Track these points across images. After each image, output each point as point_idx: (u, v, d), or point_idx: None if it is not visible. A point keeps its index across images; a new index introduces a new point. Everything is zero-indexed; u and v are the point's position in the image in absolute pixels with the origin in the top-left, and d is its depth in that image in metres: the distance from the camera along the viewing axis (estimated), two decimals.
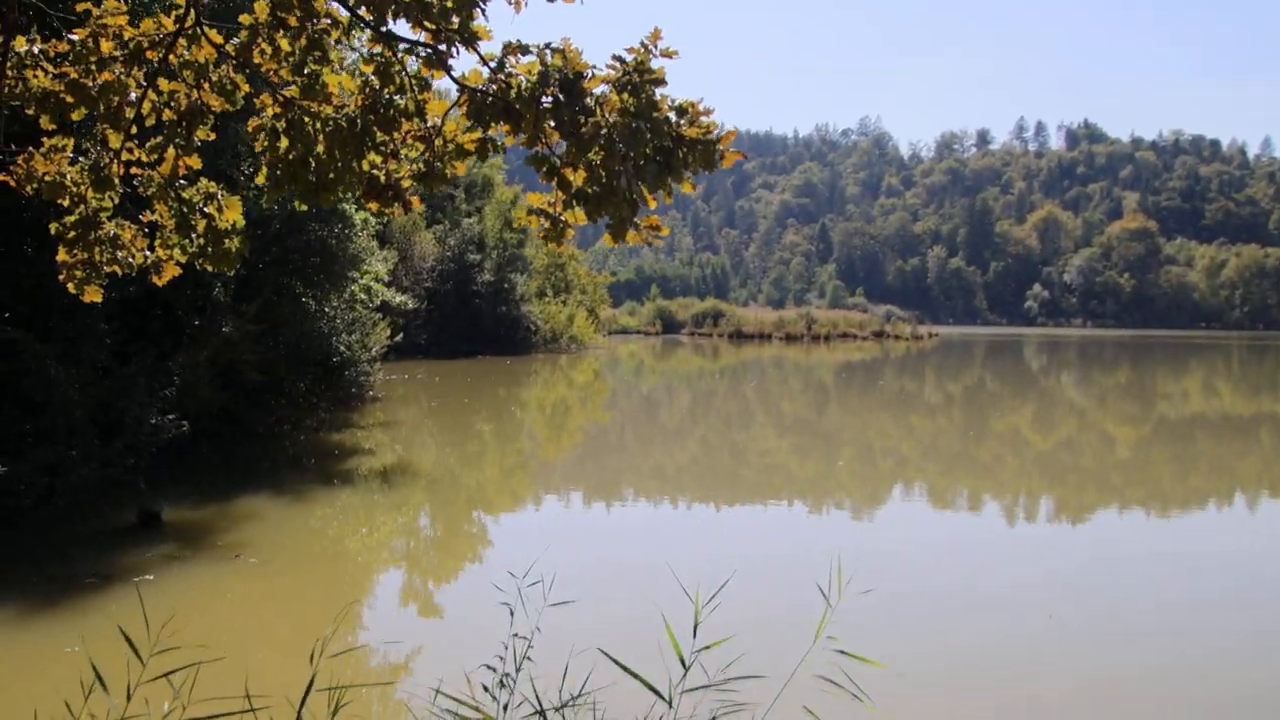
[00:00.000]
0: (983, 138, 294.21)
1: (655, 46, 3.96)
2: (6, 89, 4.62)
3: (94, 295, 5.01)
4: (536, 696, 3.33)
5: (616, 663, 3.34)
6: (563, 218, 4.40)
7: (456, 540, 15.69)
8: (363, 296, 28.41)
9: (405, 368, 43.44)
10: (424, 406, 32.02)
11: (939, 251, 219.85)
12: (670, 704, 3.12)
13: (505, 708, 3.32)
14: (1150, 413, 36.43)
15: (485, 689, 3.38)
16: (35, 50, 4.63)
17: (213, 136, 4.84)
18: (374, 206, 4.61)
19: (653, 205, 4.19)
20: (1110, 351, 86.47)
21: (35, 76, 4.63)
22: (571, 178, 4.17)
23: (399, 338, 36.02)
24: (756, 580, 11.82)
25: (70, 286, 4.98)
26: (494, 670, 3.42)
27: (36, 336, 15.53)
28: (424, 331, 51.50)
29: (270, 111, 4.54)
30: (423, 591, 12.80)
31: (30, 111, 4.67)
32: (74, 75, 4.58)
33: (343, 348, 27.33)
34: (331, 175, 4.41)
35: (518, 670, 3.42)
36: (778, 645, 3.67)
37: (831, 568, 3.33)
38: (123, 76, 4.56)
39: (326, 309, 26.24)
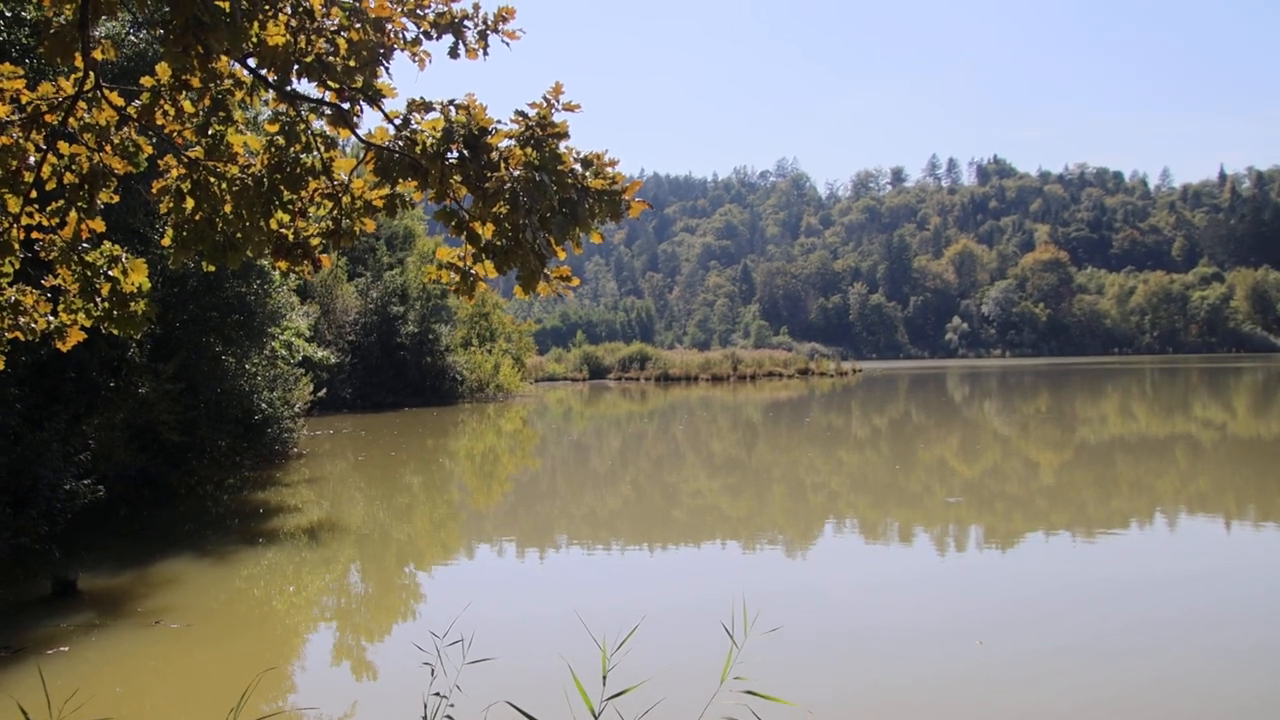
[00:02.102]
0: (897, 175, 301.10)
1: (558, 101, 4.02)
2: None
3: None
4: None
5: (526, 715, 3.33)
6: (473, 271, 4.42)
7: (388, 595, 15.44)
8: (284, 353, 28.04)
9: (330, 422, 42.81)
10: (350, 461, 31.56)
11: (860, 288, 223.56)
12: None
13: None
14: (1071, 437, 37.24)
15: None
16: None
17: (116, 199, 4.78)
18: (283, 265, 4.58)
19: (562, 256, 4.23)
20: (1029, 380, 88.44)
21: None
22: (480, 231, 4.19)
23: (322, 392, 35.54)
24: (670, 625, 11.80)
25: None
26: None
27: None
28: (348, 385, 50.89)
29: (175, 173, 4.50)
30: (353, 650, 12.55)
31: None
32: None
33: (264, 405, 26.88)
34: (239, 235, 4.37)
35: None
36: (690, 690, 3.70)
37: (737, 609, 3.37)
38: (21, 140, 4.49)
39: (247, 366, 25.83)
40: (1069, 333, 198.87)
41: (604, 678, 3.17)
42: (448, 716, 3.39)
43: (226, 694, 10.04)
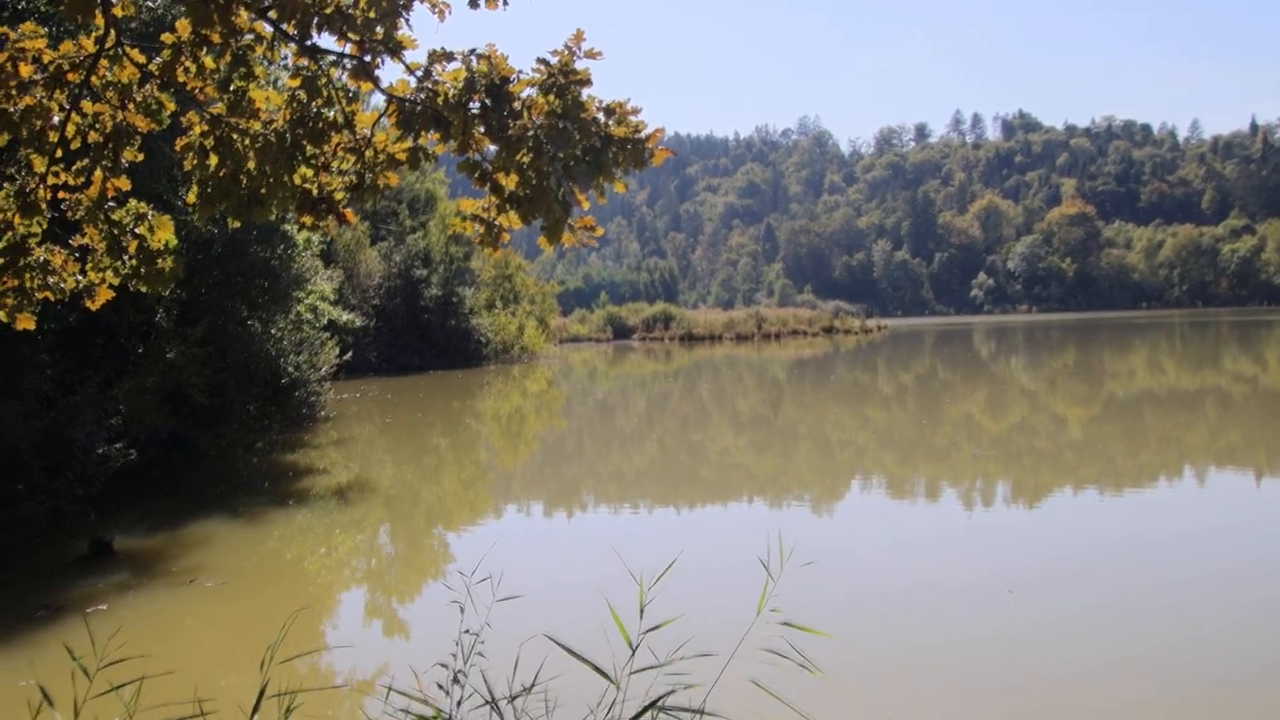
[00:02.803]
0: (921, 131, 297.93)
1: (579, 48, 3.99)
2: None
3: (26, 322, 4.94)
4: (488, 689, 3.34)
5: (562, 646, 3.36)
6: (497, 222, 4.41)
7: (417, 555, 15.60)
8: (309, 316, 28.18)
9: (357, 386, 43.08)
10: (378, 423, 31.77)
11: (884, 245, 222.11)
12: (618, 686, 3.14)
13: (459, 703, 3.33)
14: (1099, 392, 37.02)
15: (439, 686, 3.38)
16: None
17: (140, 157, 4.78)
18: (308, 220, 4.58)
19: (586, 206, 4.22)
20: (1057, 334, 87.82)
21: None
22: (503, 182, 4.18)
23: (348, 356, 35.73)
24: (700, 578, 11.86)
25: (1, 315, 4.90)
26: (446, 667, 3.43)
27: None
28: (374, 348, 51.10)
29: (198, 130, 4.50)
30: (384, 599, 12.72)
31: None
32: None
33: (291, 368, 27.06)
34: (263, 190, 4.38)
35: (467, 663, 3.43)
36: (725, 624, 3.71)
37: (772, 542, 3.37)
38: (45, 100, 4.50)
39: (273, 330, 25.98)
40: (1096, 287, 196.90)
41: (641, 610, 3.19)
42: (479, 653, 3.41)
43: (260, 644, 10.19)
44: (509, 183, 4.18)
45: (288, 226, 24.71)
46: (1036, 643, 9.88)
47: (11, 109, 4.53)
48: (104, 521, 15.59)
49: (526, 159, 4.01)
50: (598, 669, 3.18)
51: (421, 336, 56.88)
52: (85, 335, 19.68)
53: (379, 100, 4.30)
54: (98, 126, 4.58)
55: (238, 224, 4.66)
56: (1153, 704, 8.34)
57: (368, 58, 4.14)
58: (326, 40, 4.29)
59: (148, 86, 4.58)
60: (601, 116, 4.06)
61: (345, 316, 33.01)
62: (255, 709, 3.13)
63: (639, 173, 4.27)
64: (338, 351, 32.55)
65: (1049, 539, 14.63)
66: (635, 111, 4.11)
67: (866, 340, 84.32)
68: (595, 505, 18.75)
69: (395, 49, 4.11)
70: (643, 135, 4.04)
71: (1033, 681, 8.80)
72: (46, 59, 4.48)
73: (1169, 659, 9.47)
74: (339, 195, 4.53)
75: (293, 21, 4.08)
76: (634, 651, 3.18)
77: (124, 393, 19.08)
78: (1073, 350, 64.31)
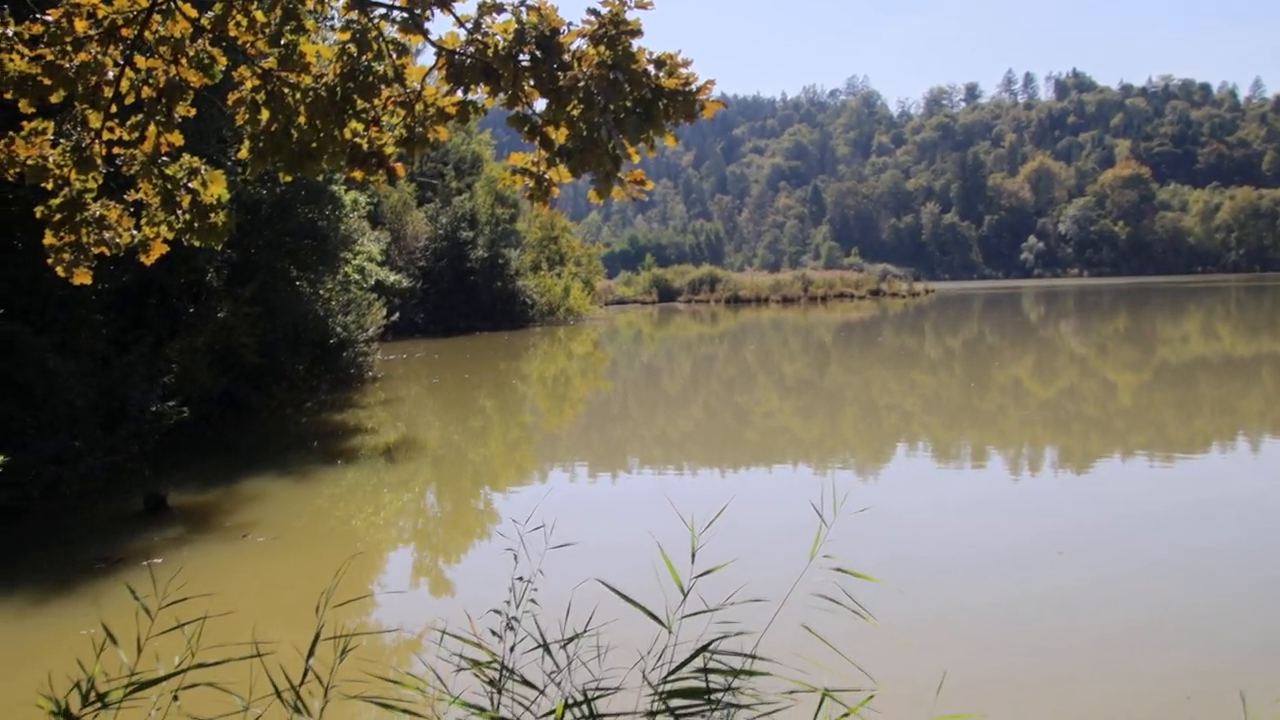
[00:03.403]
0: (971, 92, 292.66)
1: None
2: None
3: (83, 277, 5.00)
4: (540, 633, 3.37)
5: (614, 590, 3.37)
6: (547, 176, 4.39)
7: (464, 515, 15.76)
8: (356, 277, 28.41)
9: (404, 347, 43.43)
10: (425, 384, 32.04)
11: (932, 208, 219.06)
12: (670, 630, 3.15)
13: (512, 649, 3.36)
14: (1151, 358, 36.45)
15: (492, 633, 3.41)
16: (9, 33, 4.60)
17: (193, 112, 4.81)
18: (358, 175, 4.59)
19: (636, 159, 4.18)
20: (1108, 299, 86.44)
21: (11, 60, 4.60)
22: (553, 135, 4.16)
23: (395, 317, 36.00)
24: (752, 525, 11.91)
25: (59, 270, 4.97)
26: (499, 614, 3.47)
27: (34, 329, 15.54)
28: (420, 310, 51.42)
29: (249, 84, 4.52)
30: (433, 558, 12.89)
31: (9, 95, 4.64)
32: (50, 57, 4.55)
33: (339, 328, 27.33)
34: (314, 145, 4.39)
35: (519, 609, 3.46)
36: (775, 574, 3.72)
37: (826, 489, 3.36)
38: (99, 55, 4.53)
39: (321, 291, 26.23)
40: (1150, 251, 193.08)
41: (692, 556, 3.19)
42: (531, 600, 3.44)
43: (315, 595, 10.38)
44: (559, 136, 4.16)
45: (335, 188, 24.88)
46: (1086, 603, 9.84)
47: (67, 65, 4.57)
48: (158, 478, 15.89)
49: (577, 111, 3.99)
50: (649, 613, 3.19)
51: (468, 298, 57.14)
52: (138, 296, 19.99)
53: (429, 54, 4.29)
54: (151, 81, 4.61)
55: (289, 179, 4.68)
56: (1203, 663, 8.27)
57: (417, 10, 4.12)
58: None
59: (200, 41, 4.60)
60: (652, 68, 4.01)
61: (392, 277, 33.20)
62: (311, 651, 3.17)
63: (688, 126, 4.23)
64: (385, 312, 32.81)
65: (1098, 503, 14.49)
66: (686, 64, 4.06)
67: (914, 304, 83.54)
68: (640, 467, 18.80)
69: (444, 1, 4.09)
70: (693, 87, 4.00)
71: (1084, 640, 8.77)
72: (101, 14, 4.51)
73: (1219, 619, 9.38)
74: (389, 150, 4.54)
75: None
76: (685, 596, 3.18)
77: (176, 352, 19.37)
78: (1124, 315, 63.32)
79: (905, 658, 8.07)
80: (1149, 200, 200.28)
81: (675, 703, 3.09)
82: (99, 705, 2.90)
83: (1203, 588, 10.30)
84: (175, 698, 2.98)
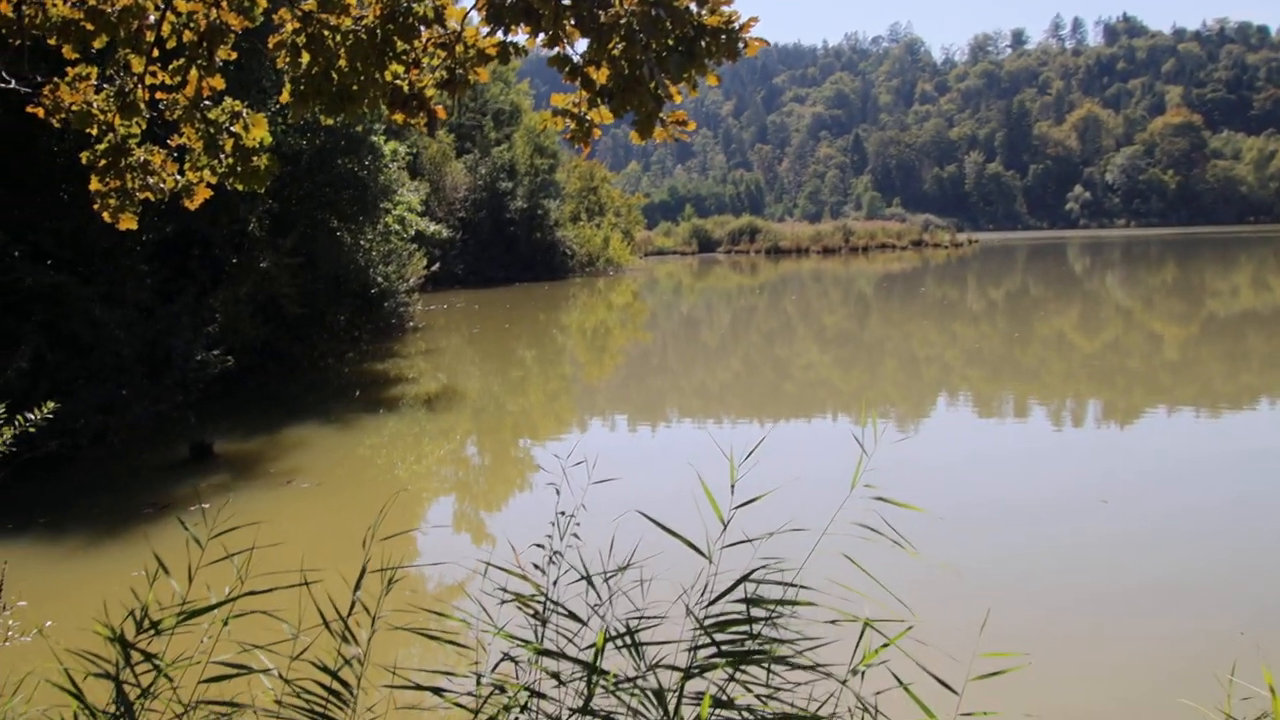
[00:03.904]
0: (1018, 38, 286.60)
1: None
2: (28, 19, 4.60)
3: (128, 222, 5.04)
4: (583, 566, 3.40)
5: (655, 522, 3.39)
6: (588, 117, 4.35)
7: (504, 465, 15.88)
8: (396, 227, 28.47)
9: (444, 297, 43.63)
10: (465, 334, 32.21)
11: (976, 157, 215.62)
12: (710, 560, 3.16)
13: (555, 582, 3.40)
14: (1199, 311, 35.86)
15: (535, 566, 3.45)
16: None
17: (234, 56, 4.81)
18: (399, 118, 4.58)
19: (678, 99, 4.13)
20: (1156, 250, 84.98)
21: (55, 5, 4.61)
22: (594, 75, 4.12)
23: (435, 267, 36.13)
24: (793, 461, 11.92)
25: (105, 215, 5.01)
26: (542, 547, 3.50)
27: (80, 280, 15.74)
28: (460, 261, 51.54)
29: (290, 27, 4.50)
30: (474, 504, 13.03)
31: (53, 41, 4.66)
32: (92, 2, 4.56)
33: (380, 279, 27.47)
34: (354, 87, 4.38)
35: (562, 540, 3.49)
36: (814, 509, 3.72)
37: (866, 438, 3.34)
38: (140, 0, 4.53)
39: (362, 241, 26.34)
40: (1200, 201, 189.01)
41: (732, 487, 3.19)
42: (574, 534, 3.46)
43: (359, 533, 10.55)
44: (600, 76, 4.11)
45: (375, 138, 24.89)
46: (1133, 548, 9.88)
47: (109, 10, 4.58)
48: (204, 426, 16.13)
49: (618, 49, 3.94)
50: (689, 543, 3.20)
51: (507, 249, 57.18)
52: (182, 246, 20.17)
53: None
54: (192, 25, 4.60)
55: (330, 121, 4.67)
56: (1252, 607, 8.23)
57: None
58: None
59: None
60: (694, 5, 3.95)
61: (432, 227, 33.24)
62: (358, 583, 3.22)
63: (728, 75, 4.18)
64: (425, 263, 32.93)
65: (1142, 455, 14.37)
66: (728, 1, 3.99)
67: (956, 255, 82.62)
68: (679, 419, 18.83)
69: None
70: (735, 25, 3.94)
71: (1131, 585, 8.81)
72: None
73: (1267, 566, 9.34)
74: (429, 92, 4.51)
75: None
76: (725, 527, 3.19)
77: (219, 302, 19.57)
78: (1172, 267, 62.27)
79: (946, 596, 8.09)
80: (1200, 149, 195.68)
81: (718, 635, 3.11)
82: (152, 632, 2.97)
83: (1248, 536, 10.22)
84: (225, 623, 3.04)
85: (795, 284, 55.66)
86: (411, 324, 31.23)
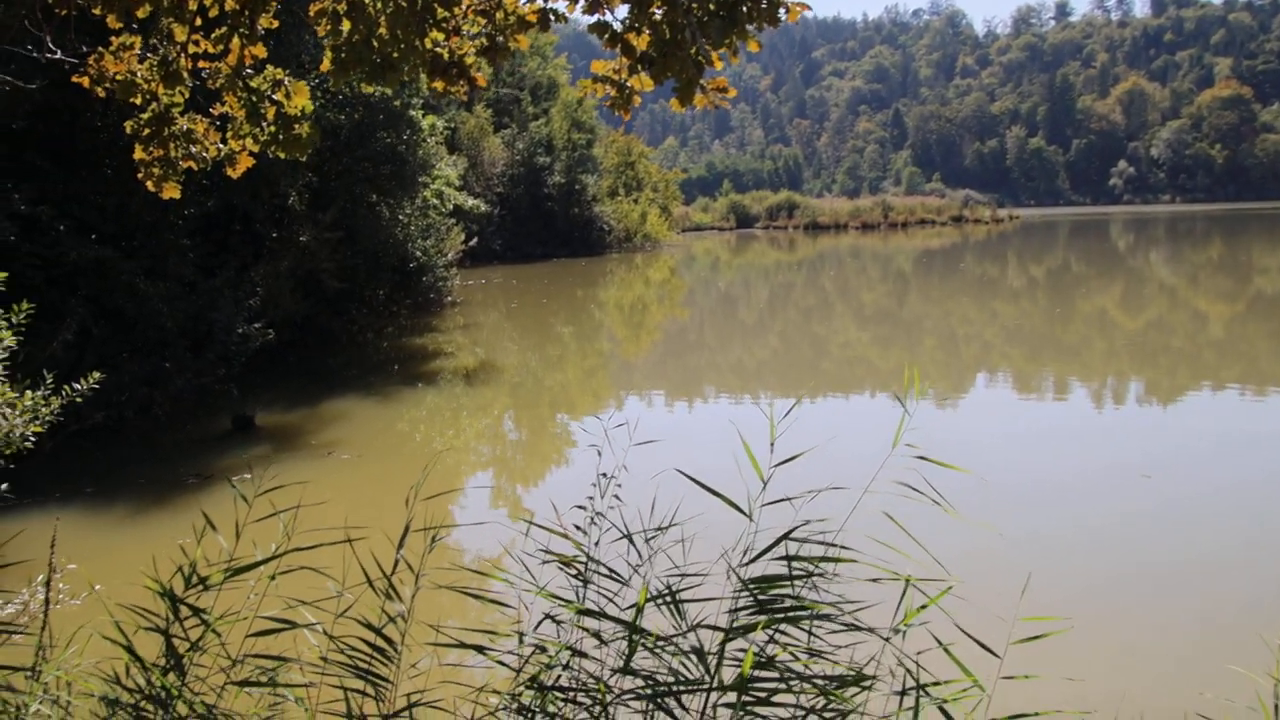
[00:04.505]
0: (1062, 9, 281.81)
1: None
2: None
3: (172, 191, 5.09)
4: (625, 525, 3.41)
5: (695, 481, 3.39)
6: (629, 84, 4.33)
7: (541, 440, 15.95)
8: (435, 202, 28.57)
9: (482, 273, 43.78)
10: (502, 310, 32.31)
11: (1018, 131, 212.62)
12: (751, 518, 3.16)
13: (596, 542, 3.41)
14: (1245, 288, 35.26)
15: (576, 527, 3.47)
16: None
17: (275, 24, 4.83)
18: (439, 85, 4.58)
19: (719, 66, 4.11)
20: (1202, 227, 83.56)
21: None
22: (635, 42, 4.10)
23: (473, 242, 36.25)
24: (830, 423, 11.88)
25: (149, 184, 5.05)
26: (584, 509, 3.52)
27: (124, 254, 15.94)
28: (498, 236, 51.69)
29: None
30: (514, 471, 13.10)
31: (97, 11, 4.69)
32: None
33: (419, 253, 27.60)
34: (395, 55, 4.38)
35: (604, 499, 3.51)
36: (855, 468, 3.71)
37: (907, 377, 3.32)
38: None
39: (400, 215, 26.46)
40: (1248, 176, 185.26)
41: (771, 445, 3.19)
42: (616, 496, 3.47)
43: (400, 501, 10.67)
44: (640, 42, 4.09)
45: (413, 112, 24.95)
46: (1175, 522, 9.84)
47: None
48: (245, 399, 16.33)
49: (659, 14, 3.91)
50: (730, 501, 3.20)
51: (545, 224, 57.25)
52: (223, 221, 20.36)
53: None
54: None
55: (370, 89, 4.68)
56: None
57: None
58: None
59: None
60: None
61: (470, 202, 33.35)
62: (402, 542, 3.25)
63: (767, 47, 4.14)
64: (463, 238, 33.04)
65: (1186, 433, 14.19)
66: None
67: (997, 231, 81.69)
68: (716, 396, 18.81)
69: None
70: None
71: (1175, 559, 8.78)
72: None
73: None
74: (470, 59, 4.51)
75: None
76: (765, 485, 3.18)
77: (260, 276, 19.75)
78: (1218, 243, 61.22)
79: (986, 563, 8.08)
80: (1249, 122, 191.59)
81: (760, 594, 3.11)
82: (200, 588, 3.02)
83: None
84: (273, 578, 3.09)
85: (833, 260, 55.31)
86: (449, 299, 31.37)
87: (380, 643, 3.12)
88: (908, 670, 2.97)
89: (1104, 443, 13.79)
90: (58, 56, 5.32)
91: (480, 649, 3.21)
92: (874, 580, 3.14)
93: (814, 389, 18.90)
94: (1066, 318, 28.01)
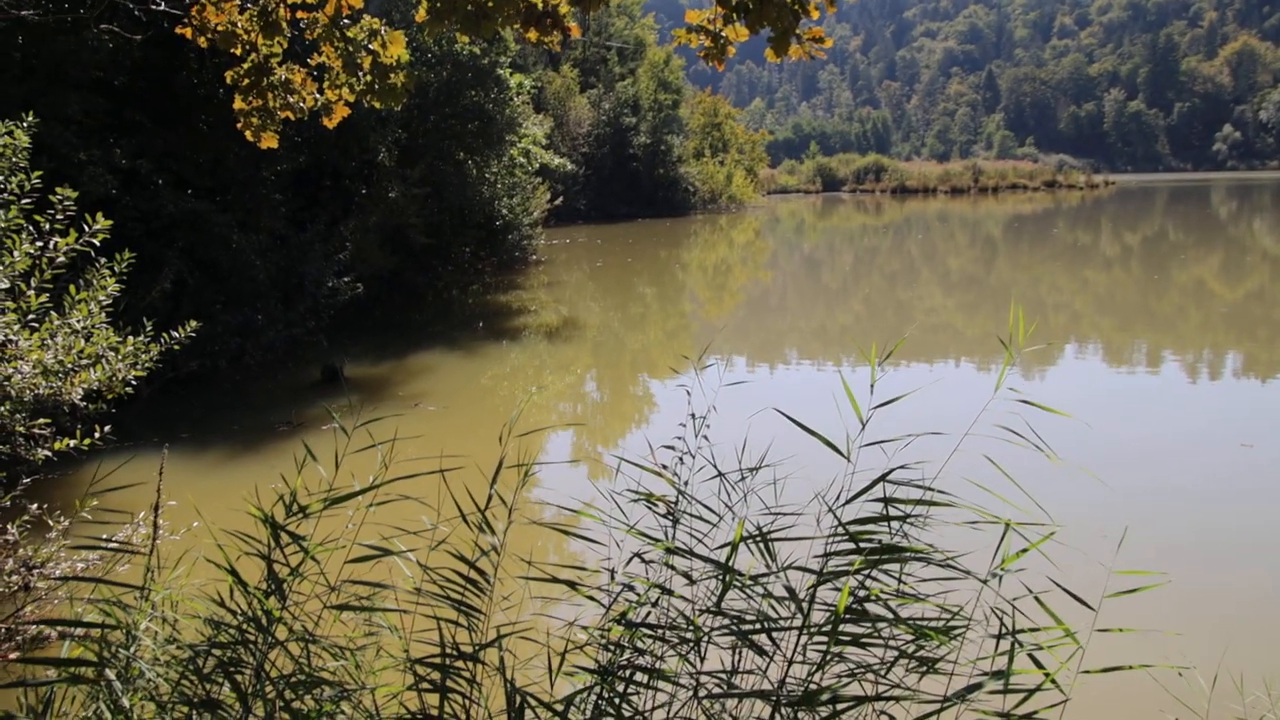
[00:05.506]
0: None
1: None
2: None
3: (270, 140, 5.20)
4: (715, 465, 3.43)
5: (792, 420, 3.39)
6: (723, 34, 4.30)
7: (622, 401, 16.03)
8: (521, 160, 28.71)
9: (566, 232, 43.95)
10: (586, 269, 32.43)
11: (1117, 94, 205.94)
12: (849, 459, 3.15)
13: (687, 483, 3.44)
14: None
15: (665, 467, 3.49)
16: None
17: None
18: (533, 36, 4.59)
19: (815, 16, 4.05)
20: None
21: None
22: None
23: (559, 202, 36.38)
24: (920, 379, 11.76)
25: (248, 134, 5.17)
26: (673, 449, 3.54)
27: (218, 208, 16.34)
28: (583, 196, 51.81)
29: None
30: (603, 418, 13.20)
31: None
32: None
33: (504, 211, 27.81)
34: (490, 4, 4.40)
35: (697, 437, 3.53)
36: (954, 412, 3.68)
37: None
38: None
39: (486, 174, 26.65)
40: None
41: (871, 387, 3.17)
42: (705, 437, 3.49)
43: (487, 448, 10.88)
44: None
45: (501, 70, 25.04)
46: (1277, 491, 9.56)
47: None
48: (334, 351, 16.69)
49: None
50: (827, 441, 3.19)
51: (629, 185, 57.24)
52: (314, 177, 20.73)
53: None
54: None
55: (465, 40, 4.71)
56: None
57: None
58: None
59: None
60: None
61: (556, 160, 33.44)
62: (495, 477, 3.31)
63: (856, 9, 4.07)
64: (548, 197, 33.18)
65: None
66: None
67: (1092, 197, 79.44)
68: (799, 360, 18.69)
69: None
70: None
71: (1276, 522, 8.63)
72: None
73: None
74: (564, 9, 4.52)
75: None
76: (864, 426, 3.17)
77: (349, 231, 20.10)
78: None
79: (1084, 513, 8.03)
80: None
81: (855, 529, 3.10)
82: (300, 516, 3.12)
83: None
84: (370, 507, 3.18)
85: (920, 225, 54.38)
86: (534, 257, 31.58)
87: (473, 575, 3.20)
88: (999, 618, 2.95)
89: (1200, 410, 13.43)
90: (162, 8, 5.44)
91: (571, 584, 3.26)
92: (972, 524, 3.12)
93: (898, 356, 18.67)
94: (1162, 287, 27.22)
